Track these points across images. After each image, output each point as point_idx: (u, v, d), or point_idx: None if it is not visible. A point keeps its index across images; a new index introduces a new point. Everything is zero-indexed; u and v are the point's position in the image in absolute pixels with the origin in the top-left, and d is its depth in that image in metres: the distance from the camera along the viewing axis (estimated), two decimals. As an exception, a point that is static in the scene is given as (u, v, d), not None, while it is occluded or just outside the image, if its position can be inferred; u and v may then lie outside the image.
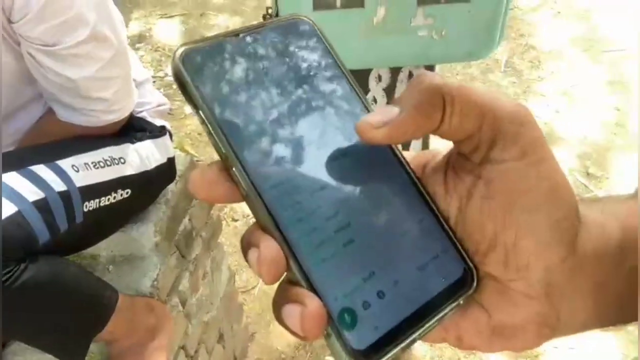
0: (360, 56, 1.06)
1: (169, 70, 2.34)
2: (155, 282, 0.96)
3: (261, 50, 0.23)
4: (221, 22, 2.60)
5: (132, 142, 0.88)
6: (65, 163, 0.76)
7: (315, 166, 0.22)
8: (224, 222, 1.58)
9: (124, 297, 0.85)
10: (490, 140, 0.21)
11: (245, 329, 1.42)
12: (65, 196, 0.73)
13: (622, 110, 2.01)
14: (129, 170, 0.85)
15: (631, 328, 1.37)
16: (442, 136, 0.22)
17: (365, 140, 0.22)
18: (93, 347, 0.83)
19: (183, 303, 1.06)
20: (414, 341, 0.21)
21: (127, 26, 2.55)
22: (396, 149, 0.24)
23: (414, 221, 0.23)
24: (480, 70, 2.19)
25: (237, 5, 2.69)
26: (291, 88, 0.23)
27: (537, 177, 0.21)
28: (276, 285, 0.21)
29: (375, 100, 1.24)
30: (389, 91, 1.22)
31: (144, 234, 0.95)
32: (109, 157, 0.83)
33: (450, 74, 2.17)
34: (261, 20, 1.08)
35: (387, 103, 1.17)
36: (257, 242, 0.20)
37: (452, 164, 0.24)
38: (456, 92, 0.21)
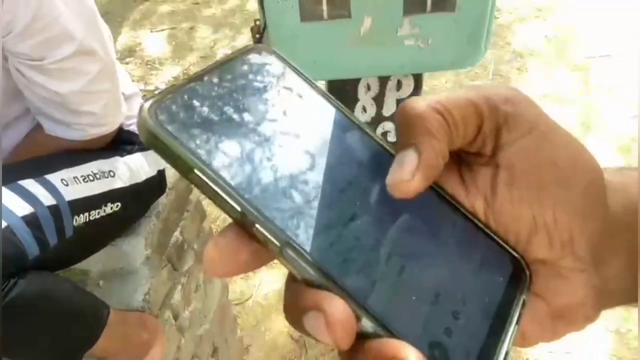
0: (348, 66, 1.08)
1: (158, 83, 2.35)
2: (146, 296, 0.95)
3: (238, 87, 0.20)
4: (210, 35, 2.61)
5: (122, 155, 0.88)
6: (54, 177, 0.76)
7: (338, 195, 0.20)
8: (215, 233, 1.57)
9: (115, 312, 0.84)
10: (495, 129, 0.21)
11: (240, 341, 1.41)
12: (54, 210, 0.73)
13: (608, 114, 2.04)
14: (118, 183, 0.85)
15: (623, 330, 1.37)
16: (453, 148, 0.21)
17: (404, 195, 0.20)
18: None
19: (175, 317, 1.05)
20: (507, 354, 0.20)
21: (116, 40, 2.55)
22: None
23: (449, 228, 0.22)
24: (468, 78, 2.22)
25: (225, 19, 2.71)
26: (282, 121, 0.21)
27: (554, 146, 0.21)
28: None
29: (364, 109, 1.24)
30: (378, 100, 1.23)
31: (135, 248, 0.95)
32: (99, 170, 0.82)
33: (438, 82, 2.19)
34: (250, 32, 1.09)
35: (377, 112, 1.18)
36: (315, 303, 0.17)
37: (464, 161, 0.23)
38: (449, 103, 0.21)
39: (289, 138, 0.20)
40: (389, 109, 1.25)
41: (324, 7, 0.99)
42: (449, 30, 0.97)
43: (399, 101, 1.23)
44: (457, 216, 0.22)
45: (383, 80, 1.19)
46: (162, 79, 2.37)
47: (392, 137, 1.26)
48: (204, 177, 0.18)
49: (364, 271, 0.18)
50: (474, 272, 0.21)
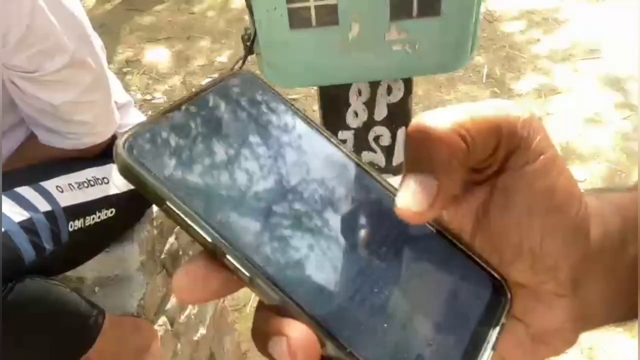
0: (338, 72, 1.09)
1: (157, 93, 2.37)
2: (141, 302, 0.96)
3: (215, 117, 0.20)
4: (207, 45, 2.64)
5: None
6: (49, 184, 0.78)
7: (312, 226, 0.20)
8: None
9: (110, 317, 0.86)
10: (509, 151, 0.21)
11: (238, 347, 1.42)
12: (50, 216, 0.75)
13: (603, 114, 2.05)
14: (113, 189, 0.86)
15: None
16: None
17: (413, 222, 0.20)
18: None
19: (171, 322, 1.06)
20: None
21: (115, 51, 2.58)
22: (384, 181, 0.22)
23: (429, 252, 0.21)
24: (462, 81, 2.23)
25: (222, 28, 2.74)
26: (259, 149, 0.21)
27: (555, 174, 0.21)
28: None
29: (356, 114, 1.26)
30: (370, 105, 1.24)
31: (130, 254, 0.96)
32: (93, 177, 0.84)
33: (432, 86, 2.21)
34: (242, 41, 1.11)
35: (369, 116, 1.19)
36: (279, 328, 0.18)
37: None
38: (472, 127, 0.20)
39: (264, 168, 0.20)
40: (380, 113, 1.26)
41: (312, 14, 1.01)
42: (435, 35, 0.99)
43: (389, 106, 1.25)
44: (437, 239, 0.22)
45: (374, 85, 1.21)
46: (161, 89, 2.39)
47: (384, 142, 1.28)
48: (175, 209, 0.18)
49: (334, 298, 0.19)
50: (451, 296, 0.21)
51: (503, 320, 0.21)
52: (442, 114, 0.20)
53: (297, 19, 0.99)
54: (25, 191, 0.74)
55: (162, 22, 2.82)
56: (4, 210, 0.70)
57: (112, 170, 0.88)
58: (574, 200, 0.21)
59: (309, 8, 0.98)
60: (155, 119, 0.20)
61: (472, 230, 0.22)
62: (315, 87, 1.20)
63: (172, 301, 1.07)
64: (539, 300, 0.22)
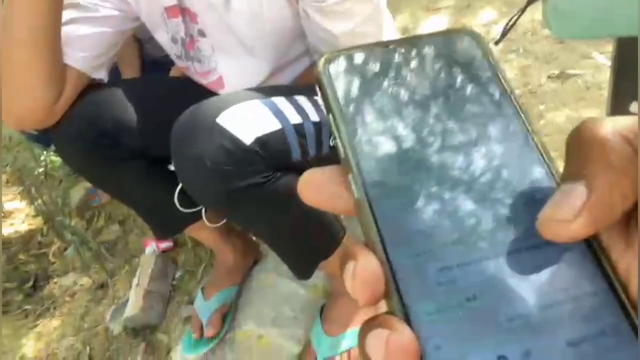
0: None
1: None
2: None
3: (411, 64, 0.22)
4: (487, 15, 2.53)
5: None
6: (321, 101, 0.89)
7: (449, 194, 0.19)
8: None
9: (349, 237, 0.93)
10: None
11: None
12: (317, 127, 0.85)
13: None
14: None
15: None
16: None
17: (556, 238, 0.17)
18: (318, 277, 0.92)
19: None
20: None
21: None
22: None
23: (575, 280, 0.18)
24: None
25: (506, -4, 2.58)
26: (437, 107, 0.21)
27: None
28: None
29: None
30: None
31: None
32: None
33: None
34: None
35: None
36: (357, 255, 0.18)
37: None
38: None
39: (432, 127, 0.20)
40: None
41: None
42: None
43: None
44: (593, 272, 0.18)
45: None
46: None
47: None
48: (332, 118, 0.21)
49: (427, 268, 0.18)
50: (571, 340, 0.17)
51: None
52: (612, 118, 0.17)
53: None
54: (302, 100, 0.86)
55: (443, -8, 2.83)
56: (284, 110, 0.82)
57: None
58: None
59: None
60: (364, 47, 0.22)
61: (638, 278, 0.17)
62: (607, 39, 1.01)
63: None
64: None
